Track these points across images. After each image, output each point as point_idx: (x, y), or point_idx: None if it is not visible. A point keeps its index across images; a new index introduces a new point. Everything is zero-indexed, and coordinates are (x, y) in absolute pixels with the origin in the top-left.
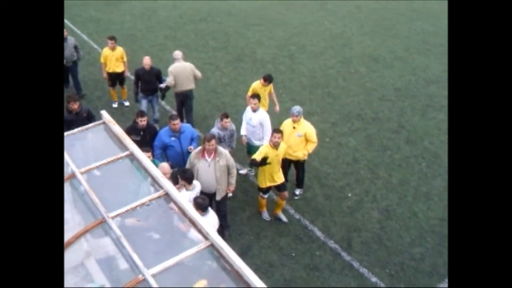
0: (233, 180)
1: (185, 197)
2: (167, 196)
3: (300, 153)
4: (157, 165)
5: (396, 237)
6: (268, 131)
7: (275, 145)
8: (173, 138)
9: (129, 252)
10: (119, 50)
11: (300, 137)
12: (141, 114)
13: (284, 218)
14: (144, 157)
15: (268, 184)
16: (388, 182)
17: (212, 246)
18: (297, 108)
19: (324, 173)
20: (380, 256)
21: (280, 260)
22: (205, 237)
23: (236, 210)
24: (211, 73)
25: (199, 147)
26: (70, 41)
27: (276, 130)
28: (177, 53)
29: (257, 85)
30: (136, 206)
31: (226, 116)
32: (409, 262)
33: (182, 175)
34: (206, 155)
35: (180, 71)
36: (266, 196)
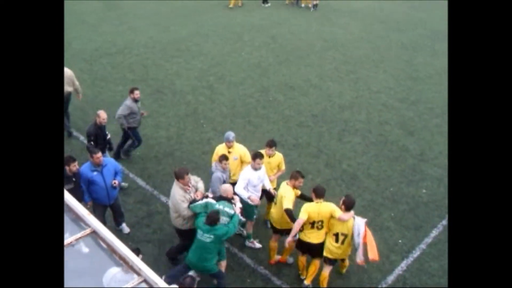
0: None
1: None
2: (95, 234)
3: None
4: None
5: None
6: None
7: (297, 187)
8: (95, 173)
9: None
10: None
11: (236, 160)
12: (73, 159)
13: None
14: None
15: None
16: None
17: (145, 281)
18: (232, 134)
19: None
20: None
21: None
22: (138, 273)
23: (163, 241)
24: None
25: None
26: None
27: (298, 172)
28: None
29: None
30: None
31: (226, 158)
32: (338, 280)
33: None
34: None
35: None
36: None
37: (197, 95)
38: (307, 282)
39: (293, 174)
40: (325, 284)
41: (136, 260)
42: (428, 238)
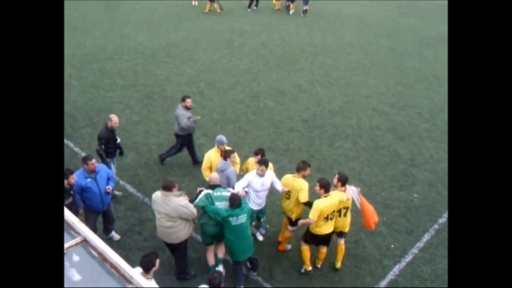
0: None
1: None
2: (85, 243)
3: None
4: None
5: (314, 262)
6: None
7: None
8: (89, 180)
9: None
10: None
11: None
12: (71, 171)
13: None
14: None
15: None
16: (303, 211)
17: None
18: (224, 137)
19: None
20: (302, 283)
21: None
22: (129, 281)
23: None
24: (120, 111)
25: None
26: None
27: (304, 162)
28: None
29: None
30: None
31: (232, 151)
32: (329, 285)
33: None
34: None
35: None
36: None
37: None
38: (319, 264)
39: (301, 166)
40: (320, 262)
41: (127, 268)
42: (420, 242)
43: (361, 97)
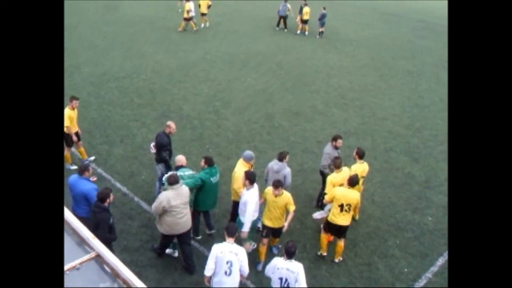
0: None
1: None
2: (99, 258)
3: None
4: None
5: (327, 284)
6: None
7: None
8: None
9: None
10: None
11: None
12: (110, 189)
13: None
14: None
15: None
16: (316, 231)
17: None
18: (252, 153)
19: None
20: None
21: None
22: None
23: (167, 266)
24: (137, 129)
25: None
26: None
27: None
28: None
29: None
30: (66, 271)
31: (287, 152)
32: None
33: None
34: None
35: None
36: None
37: (203, 120)
38: (336, 259)
39: (337, 163)
40: (338, 256)
41: (140, 284)
42: (434, 266)
43: (376, 118)
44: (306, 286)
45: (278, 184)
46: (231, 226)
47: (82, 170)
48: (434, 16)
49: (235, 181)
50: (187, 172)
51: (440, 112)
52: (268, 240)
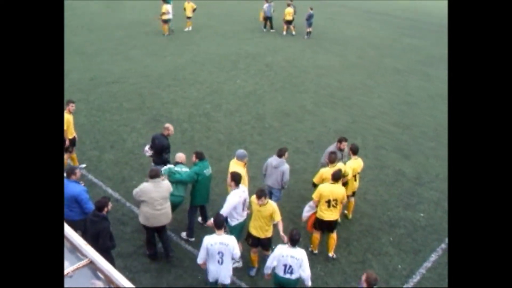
0: None
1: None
2: (92, 265)
3: None
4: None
5: (322, 284)
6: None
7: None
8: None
9: None
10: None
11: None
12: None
13: None
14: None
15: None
16: (306, 232)
17: None
18: (245, 152)
19: (246, 227)
20: None
21: None
22: None
23: (161, 270)
24: (127, 134)
25: None
26: None
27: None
28: None
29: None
30: None
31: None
32: None
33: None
34: None
35: None
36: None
37: (193, 123)
38: (331, 254)
39: (331, 158)
40: (332, 251)
41: None
42: (427, 262)
43: (366, 117)
44: (309, 272)
45: (261, 194)
46: (218, 219)
47: (69, 173)
48: (420, 15)
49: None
50: (184, 168)
51: (428, 109)
52: (257, 249)
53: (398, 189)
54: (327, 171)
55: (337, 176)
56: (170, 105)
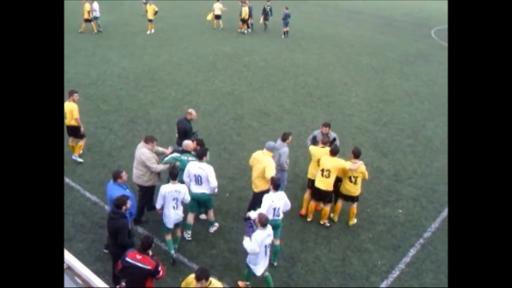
0: None
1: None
2: (69, 270)
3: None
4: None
5: (303, 282)
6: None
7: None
8: (127, 190)
9: None
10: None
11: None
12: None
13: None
14: None
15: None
16: (290, 229)
17: None
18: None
19: (227, 227)
20: None
21: None
22: None
23: None
24: (104, 136)
25: None
26: None
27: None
28: None
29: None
30: None
31: (290, 134)
32: None
33: None
34: None
35: None
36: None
37: (172, 124)
38: (322, 221)
39: (324, 140)
40: (325, 220)
41: None
42: (406, 257)
43: (344, 115)
44: (289, 206)
45: (200, 276)
46: (172, 172)
47: (115, 176)
48: (395, 13)
49: (258, 170)
50: (191, 158)
51: (405, 106)
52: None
53: (376, 187)
54: (317, 150)
55: (335, 151)
56: (148, 106)
